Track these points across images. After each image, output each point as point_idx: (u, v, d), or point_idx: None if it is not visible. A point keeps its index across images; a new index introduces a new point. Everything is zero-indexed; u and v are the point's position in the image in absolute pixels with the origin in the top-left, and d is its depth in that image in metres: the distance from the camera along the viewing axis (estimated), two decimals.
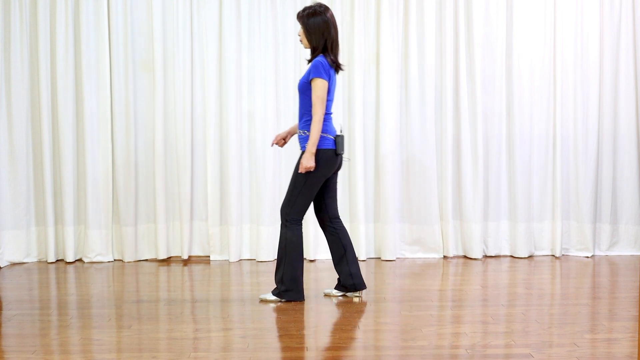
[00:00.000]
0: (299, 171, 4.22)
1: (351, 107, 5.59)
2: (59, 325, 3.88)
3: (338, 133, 4.34)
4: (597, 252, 5.73)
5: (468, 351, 3.41)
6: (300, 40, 4.35)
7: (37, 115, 5.51)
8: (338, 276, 4.48)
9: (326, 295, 4.49)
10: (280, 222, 4.55)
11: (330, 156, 4.27)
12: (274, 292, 4.35)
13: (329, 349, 3.49)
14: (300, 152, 4.40)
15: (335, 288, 4.50)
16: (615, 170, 5.69)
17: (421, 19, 5.58)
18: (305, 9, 4.33)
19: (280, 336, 3.69)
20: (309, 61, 4.31)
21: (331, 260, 5.56)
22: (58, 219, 5.60)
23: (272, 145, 4.59)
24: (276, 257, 4.39)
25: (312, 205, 4.50)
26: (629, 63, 5.62)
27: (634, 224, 5.70)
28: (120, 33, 5.50)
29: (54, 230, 5.55)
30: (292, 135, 4.55)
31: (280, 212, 4.40)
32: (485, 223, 5.68)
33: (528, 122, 5.63)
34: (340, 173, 5.59)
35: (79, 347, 3.53)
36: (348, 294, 4.47)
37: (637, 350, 3.34)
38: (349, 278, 4.42)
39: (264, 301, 4.34)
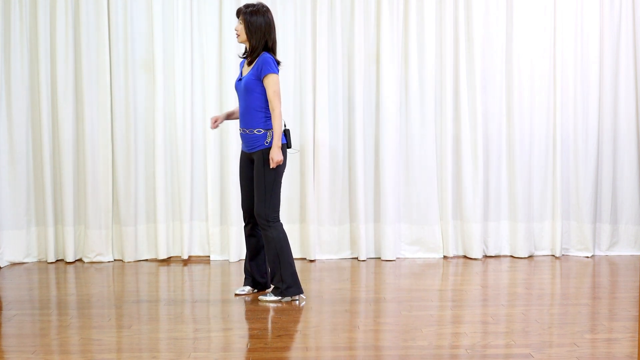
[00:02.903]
0: (271, 167, 4.23)
1: (351, 106, 5.59)
2: (59, 325, 3.88)
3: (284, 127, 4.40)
4: (597, 252, 5.73)
5: (468, 351, 3.41)
6: (238, 35, 4.33)
7: (37, 115, 5.51)
8: (251, 273, 4.51)
9: (260, 300, 4.40)
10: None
11: (285, 150, 4.36)
12: (276, 293, 4.34)
13: (329, 349, 3.49)
14: (242, 152, 4.45)
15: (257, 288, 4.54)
16: (615, 170, 5.69)
17: (421, 19, 5.58)
18: (247, 6, 4.33)
19: (280, 336, 3.69)
20: (250, 61, 4.30)
21: (331, 260, 5.57)
22: (58, 219, 5.60)
23: (213, 128, 4.53)
24: (268, 260, 4.38)
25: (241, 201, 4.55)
26: (629, 63, 5.62)
27: (634, 224, 5.70)
28: (120, 33, 5.50)
29: (54, 230, 5.54)
30: (224, 120, 4.59)
31: (256, 216, 4.34)
32: (485, 223, 5.68)
33: (528, 122, 5.63)
34: (340, 172, 5.61)
35: (79, 347, 3.53)
36: (256, 291, 4.54)
37: (637, 350, 3.34)
38: (264, 276, 4.52)
39: (263, 302, 4.34)
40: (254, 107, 4.28)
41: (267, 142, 4.27)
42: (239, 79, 4.38)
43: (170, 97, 5.55)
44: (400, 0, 5.57)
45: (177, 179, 5.59)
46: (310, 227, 5.55)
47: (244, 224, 4.57)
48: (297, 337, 3.69)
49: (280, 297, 4.33)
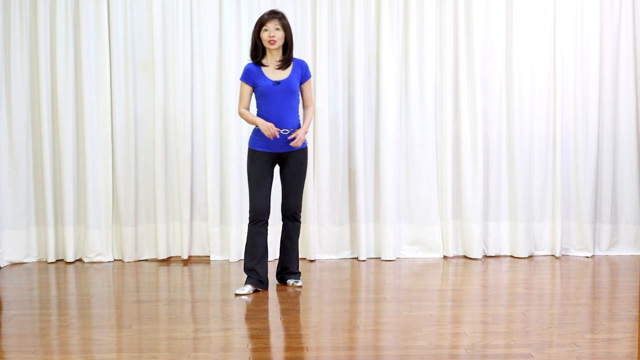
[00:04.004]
0: (295, 142, 4.46)
1: (351, 107, 5.59)
2: (59, 325, 3.88)
3: None
4: (597, 252, 5.73)
5: (468, 351, 3.41)
6: (275, 41, 4.47)
7: (37, 115, 5.51)
8: (257, 273, 4.59)
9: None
10: (283, 222, 4.75)
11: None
12: (299, 276, 4.78)
13: (329, 349, 3.49)
14: (262, 152, 4.52)
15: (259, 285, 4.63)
16: (615, 170, 5.69)
17: (421, 19, 5.58)
18: (276, 12, 4.52)
19: (280, 336, 3.69)
20: (283, 65, 4.50)
21: (331, 260, 5.58)
22: (58, 219, 5.60)
23: (281, 135, 4.51)
24: (292, 249, 4.73)
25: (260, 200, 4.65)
26: (629, 63, 5.62)
27: (634, 224, 5.70)
28: (120, 33, 5.50)
29: (54, 230, 5.55)
30: None
31: (292, 210, 4.67)
32: (485, 223, 5.68)
33: (528, 122, 5.63)
34: (340, 172, 5.61)
35: (79, 347, 3.53)
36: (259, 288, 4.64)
37: (637, 350, 3.34)
38: (267, 275, 4.67)
39: (297, 286, 4.70)
40: (296, 108, 4.57)
41: (306, 141, 4.60)
42: (276, 82, 4.47)
43: (170, 97, 5.55)
44: (400, 0, 5.58)
45: (177, 179, 5.59)
46: (310, 227, 5.55)
47: (251, 223, 4.58)
48: (297, 337, 3.69)
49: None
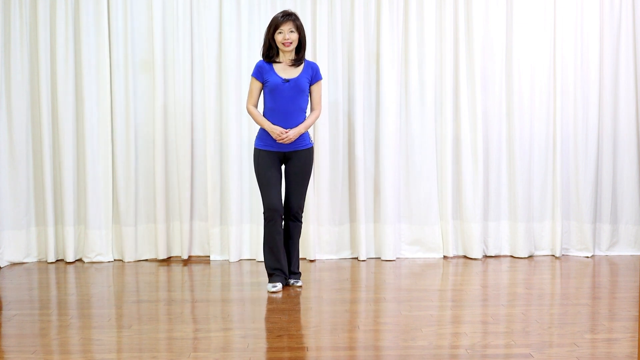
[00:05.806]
0: (282, 137, 4.46)
1: (351, 107, 5.59)
2: (59, 325, 3.88)
3: None
4: (597, 252, 5.73)
5: (468, 351, 3.41)
6: (290, 43, 4.52)
7: (37, 115, 5.52)
8: (283, 269, 4.66)
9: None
10: (285, 222, 4.73)
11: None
12: (299, 276, 4.77)
13: (329, 349, 3.49)
14: (267, 152, 4.55)
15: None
16: (615, 170, 5.68)
17: (421, 19, 5.58)
18: (291, 12, 4.55)
19: (280, 336, 3.69)
20: (294, 64, 4.55)
21: (331, 260, 5.57)
22: (58, 219, 5.60)
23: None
24: (294, 249, 4.75)
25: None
26: (629, 63, 5.62)
27: (634, 224, 5.70)
28: (120, 33, 5.50)
29: (54, 230, 5.55)
30: None
31: (296, 209, 4.66)
32: (485, 223, 5.68)
33: (528, 122, 5.63)
34: (340, 172, 5.61)
35: (79, 347, 3.53)
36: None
37: (637, 350, 3.34)
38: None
39: (297, 286, 4.69)
40: (303, 107, 4.59)
41: (312, 141, 4.66)
42: (285, 80, 4.50)
43: (170, 97, 5.55)
44: (400, 0, 5.58)
45: (177, 179, 5.59)
46: (310, 227, 5.55)
47: (267, 222, 4.57)
48: (297, 337, 3.69)
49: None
